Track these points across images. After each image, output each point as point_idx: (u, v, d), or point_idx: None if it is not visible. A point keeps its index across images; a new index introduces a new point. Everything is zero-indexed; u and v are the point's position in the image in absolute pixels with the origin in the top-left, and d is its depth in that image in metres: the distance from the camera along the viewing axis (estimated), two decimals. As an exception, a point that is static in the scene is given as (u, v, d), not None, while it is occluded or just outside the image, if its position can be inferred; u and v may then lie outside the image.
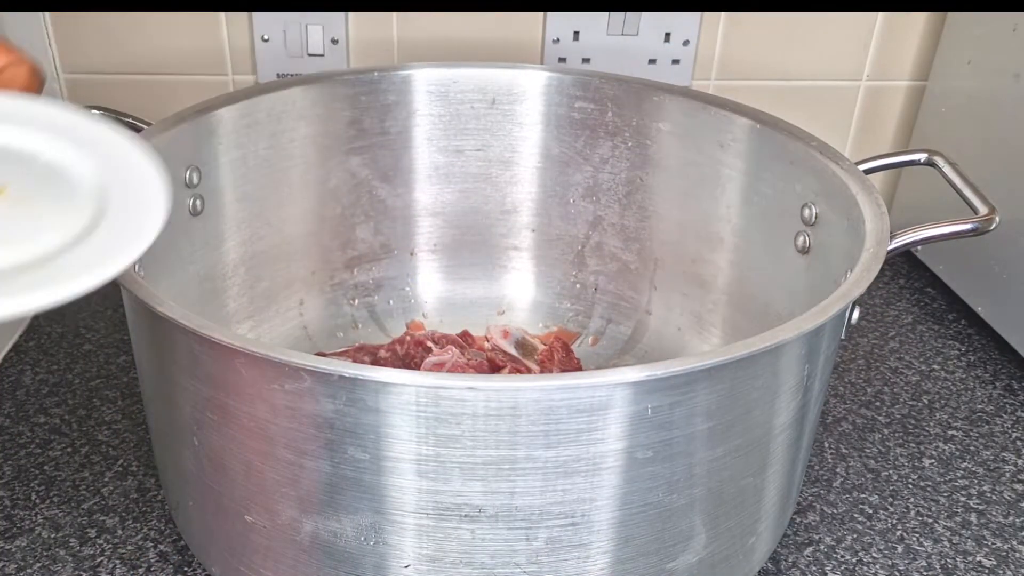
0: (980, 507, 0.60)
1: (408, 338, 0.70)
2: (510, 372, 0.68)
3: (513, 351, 0.69)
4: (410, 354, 0.69)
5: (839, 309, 0.43)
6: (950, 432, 0.67)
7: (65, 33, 0.82)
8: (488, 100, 0.69)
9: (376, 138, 0.69)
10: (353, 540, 0.42)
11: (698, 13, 0.84)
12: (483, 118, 0.70)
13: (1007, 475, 0.63)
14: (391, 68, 0.68)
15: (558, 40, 0.84)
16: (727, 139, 0.63)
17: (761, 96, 0.89)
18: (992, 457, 0.65)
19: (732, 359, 0.39)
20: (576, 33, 0.84)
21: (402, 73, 0.68)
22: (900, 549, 0.57)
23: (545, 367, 0.68)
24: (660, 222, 0.69)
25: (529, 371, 0.68)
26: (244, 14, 0.82)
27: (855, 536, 0.58)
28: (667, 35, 0.84)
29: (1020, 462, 0.64)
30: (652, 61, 0.86)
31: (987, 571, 0.56)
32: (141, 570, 0.53)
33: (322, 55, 0.83)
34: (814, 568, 0.55)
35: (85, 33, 0.82)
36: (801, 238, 0.59)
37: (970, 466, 0.64)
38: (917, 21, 0.87)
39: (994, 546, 0.57)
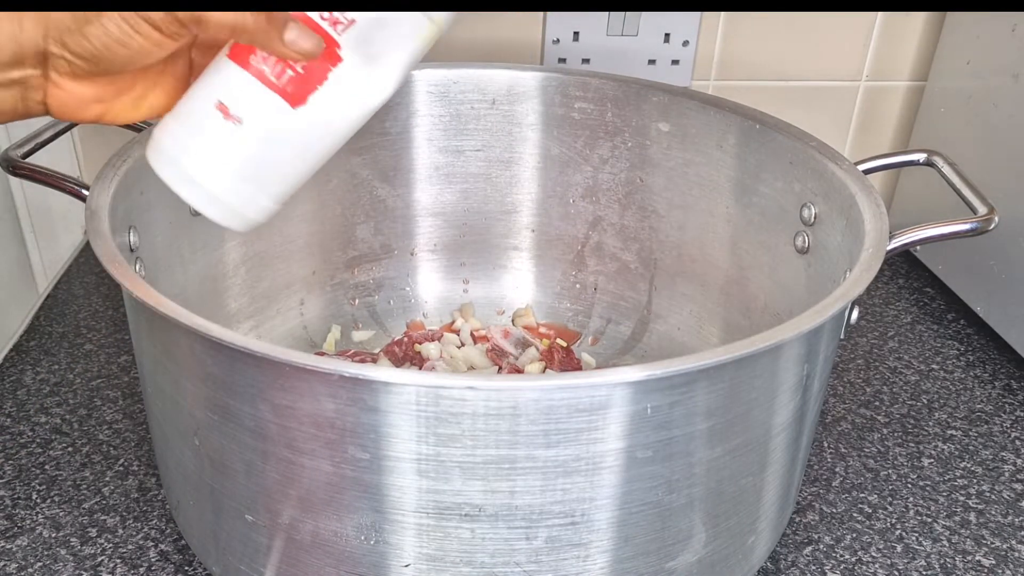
0: (979, 506, 0.60)
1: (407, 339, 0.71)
2: (510, 372, 0.68)
3: (513, 351, 0.69)
4: (408, 355, 0.69)
5: (838, 309, 0.43)
6: (949, 432, 0.67)
7: (65, 33, 0.82)
8: (488, 100, 0.69)
9: (376, 138, 0.69)
10: (353, 539, 0.42)
11: (698, 13, 0.84)
12: (483, 118, 0.70)
13: (1006, 474, 0.63)
14: (391, 68, 0.68)
15: (558, 41, 0.85)
16: (726, 139, 0.63)
17: (761, 96, 0.89)
18: (991, 457, 0.65)
19: (732, 359, 0.40)
20: (576, 34, 0.84)
21: (402, 73, 0.68)
22: (899, 548, 0.57)
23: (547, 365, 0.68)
24: (660, 222, 0.69)
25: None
26: (244, 14, 0.82)
27: (854, 535, 0.58)
28: (667, 35, 0.85)
29: (1019, 462, 0.64)
30: (652, 61, 0.86)
31: (986, 570, 0.56)
32: (142, 569, 0.53)
33: (322, 55, 0.83)
34: (813, 567, 0.55)
35: (85, 33, 0.82)
36: (800, 238, 0.59)
37: (969, 465, 0.64)
38: (916, 21, 0.88)
39: (993, 545, 0.57)
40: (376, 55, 0.43)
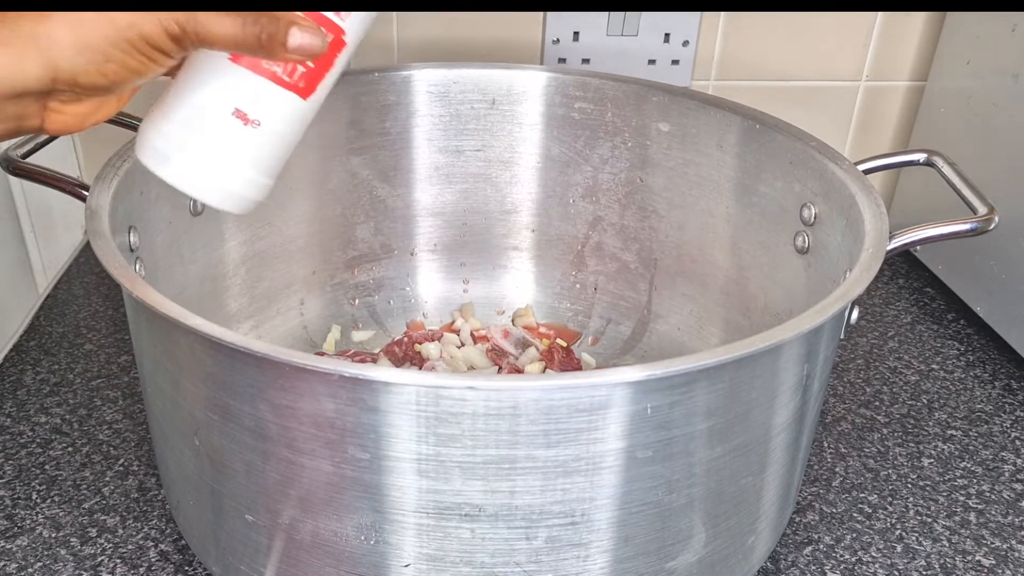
0: (979, 506, 0.60)
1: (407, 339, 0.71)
2: (510, 371, 0.68)
3: (513, 351, 0.69)
4: (408, 355, 0.69)
5: (838, 309, 0.43)
6: (949, 432, 0.67)
7: (65, 33, 0.82)
8: (488, 100, 0.69)
9: (376, 138, 0.69)
10: (353, 539, 0.42)
11: (698, 13, 0.84)
12: (483, 118, 0.70)
13: (1006, 474, 0.63)
14: (391, 68, 0.68)
15: (558, 40, 0.85)
16: (726, 139, 0.63)
17: (761, 96, 0.89)
18: (991, 456, 0.65)
19: (732, 359, 0.40)
20: (576, 33, 0.84)
21: (402, 73, 0.68)
22: (899, 548, 0.57)
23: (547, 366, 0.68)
24: (660, 222, 0.69)
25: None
26: (244, 14, 0.82)
27: (854, 535, 0.58)
28: (667, 35, 0.85)
29: (1019, 461, 0.64)
30: (652, 61, 0.86)
31: (986, 570, 0.56)
32: (142, 569, 0.53)
33: (322, 55, 0.83)
34: (813, 567, 0.55)
35: (85, 33, 0.82)
36: (800, 238, 0.59)
37: (969, 465, 0.64)
38: (916, 21, 0.88)
39: (993, 545, 0.58)
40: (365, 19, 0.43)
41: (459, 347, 0.70)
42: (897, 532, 0.58)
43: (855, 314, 0.49)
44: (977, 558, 0.57)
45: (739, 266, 0.65)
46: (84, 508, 0.57)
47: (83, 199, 0.50)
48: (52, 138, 0.56)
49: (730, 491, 0.45)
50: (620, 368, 0.38)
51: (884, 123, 0.93)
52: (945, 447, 0.65)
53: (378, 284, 0.74)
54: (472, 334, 0.71)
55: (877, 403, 0.70)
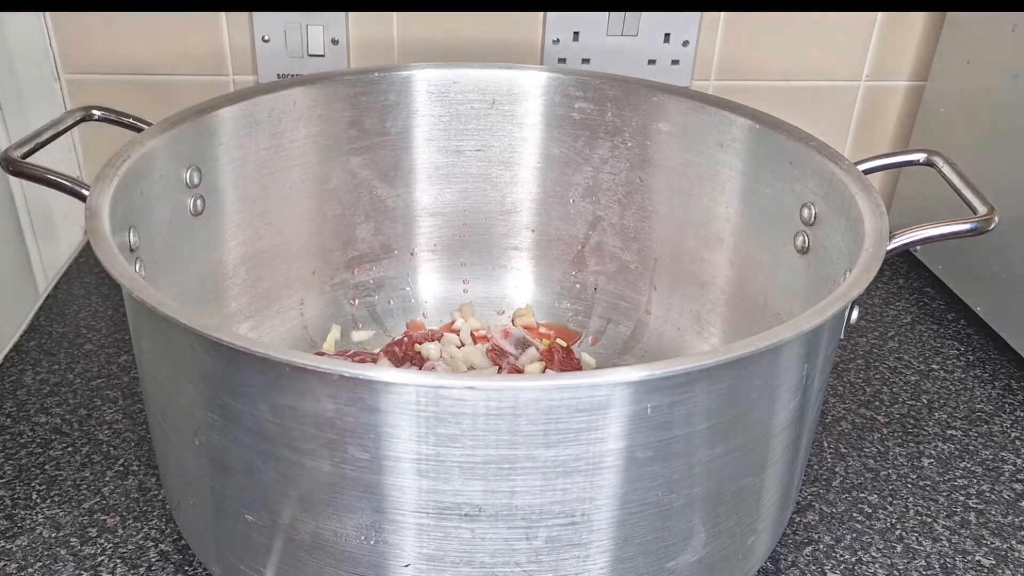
0: (979, 506, 0.60)
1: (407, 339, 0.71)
2: (510, 371, 0.68)
3: (513, 351, 0.69)
4: (408, 355, 0.69)
5: (838, 309, 0.43)
6: (949, 432, 0.67)
7: (65, 33, 0.82)
8: (488, 100, 0.69)
9: (376, 138, 0.69)
10: (353, 539, 0.42)
11: (698, 13, 0.84)
12: (483, 118, 0.70)
13: (1006, 474, 0.63)
14: (391, 68, 0.68)
15: (558, 40, 0.85)
16: (726, 139, 0.63)
17: (761, 96, 0.89)
18: (991, 457, 0.65)
19: (732, 359, 0.40)
20: (576, 33, 0.84)
21: (402, 73, 0.68)
22: (899, 548, 0.57)
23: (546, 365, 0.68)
24: (660, 222, 0.69)
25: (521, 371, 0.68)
26: (244, 14, 0.82)
27: (854, 535, 0.58)
28: (667, 35, 0.85)
29: (1019, 461, 0.64)
30: (652, 61, 0.86)
31: (986, 570, 0.56)
32: (142, 569, 0.53)
33: (322, 55, 0.83)
34: (813, 567, 0.55)
35: (85, 33, 0.82)
36: (800, 238, 0.59)
37: (969, 465, 0.64)
38: (916, 21, 0.88)
39: (993, 545, 0.58)
40: None
41: (459, 347, 0.70)
42: (897, 532, 0.58)
43: (855, 314, 0.49)
44: (977, 558, 0.57)
45: (739, 266, 0.65)
46: (84, 508, 0.57)
47: (83, 199, 0.50)
48: (52, 138, 0.56)
49: (730, 491, 0.45)
50: (620, 368, 0.38)
51: (884, 123, 0.93)
52: (945, 447, 0.66)
53: (378, 284, 0.74)
54: (472, 334, 0.71)
55: (877, 403, 0.70)
